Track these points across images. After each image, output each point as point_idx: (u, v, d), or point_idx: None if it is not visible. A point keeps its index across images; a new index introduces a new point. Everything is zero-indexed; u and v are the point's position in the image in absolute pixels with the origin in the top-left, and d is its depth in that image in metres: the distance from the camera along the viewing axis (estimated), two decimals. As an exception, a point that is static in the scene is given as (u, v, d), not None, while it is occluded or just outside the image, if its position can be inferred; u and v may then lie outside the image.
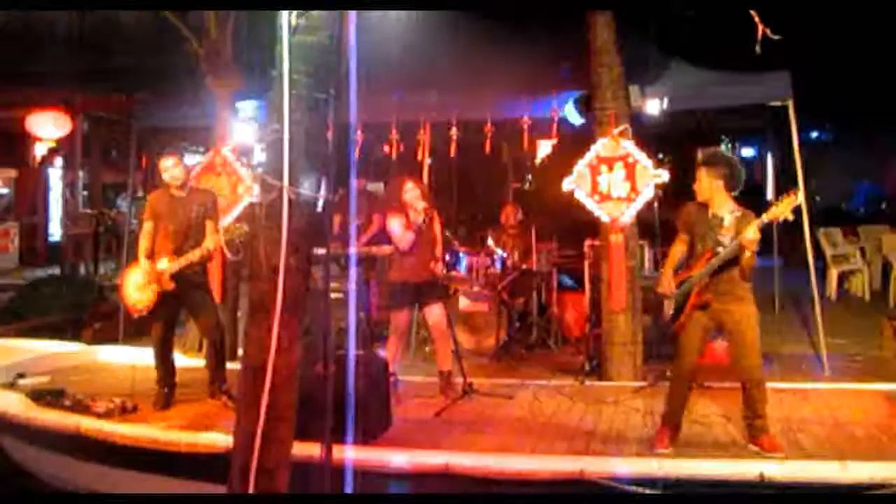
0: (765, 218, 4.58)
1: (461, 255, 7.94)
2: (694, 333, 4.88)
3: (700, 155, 5.29)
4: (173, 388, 5.94)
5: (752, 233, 4.57)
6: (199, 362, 6.37)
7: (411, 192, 6.18)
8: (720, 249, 4.73)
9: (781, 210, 4.57)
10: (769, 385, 5.16)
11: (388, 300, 6.37)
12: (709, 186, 4.86)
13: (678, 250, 5.04)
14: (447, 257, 8.14)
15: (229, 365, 5.93)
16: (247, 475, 3.61)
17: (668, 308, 4.99)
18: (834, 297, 9.93)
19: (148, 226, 5.82)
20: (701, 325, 4.87)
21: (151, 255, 5.76)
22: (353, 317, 3.61)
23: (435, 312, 6.20)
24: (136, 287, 5.78)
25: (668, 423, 4.99)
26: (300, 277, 3.75)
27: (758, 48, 4.84)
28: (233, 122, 7.69)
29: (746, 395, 4.82)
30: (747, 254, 4.64)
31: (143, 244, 5.76)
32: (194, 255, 5.69)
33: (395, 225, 6.15)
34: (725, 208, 4.81)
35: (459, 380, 6.12)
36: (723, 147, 16.89)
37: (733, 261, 4.72)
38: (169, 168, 5.79)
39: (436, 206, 6.34)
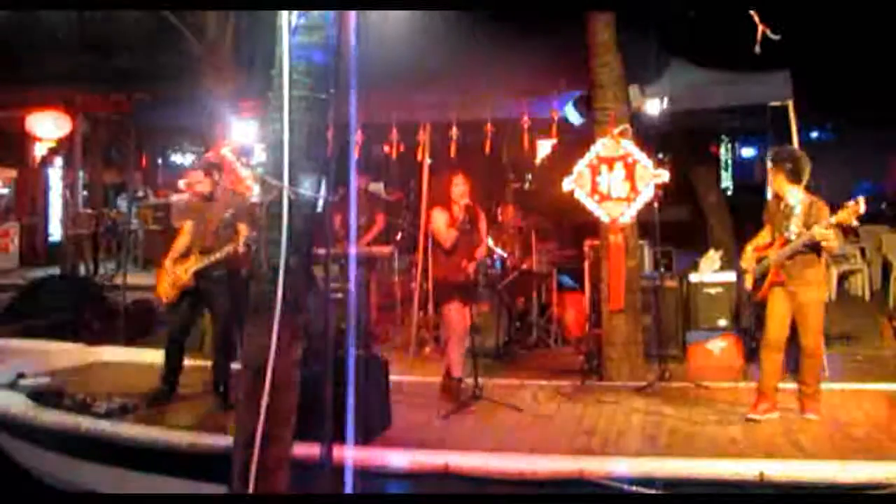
0: (832, 220, 5.10)
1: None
2: (775, 306, 5.41)
3: (769, 153, 5.70)
4: (174, 386, 6.00)
5: (819, 233, 5.11)
6: (200, 362, 6.39)
7: (459, 188, 6.06)
8: (791, 236, 5.29)
9: (846, 216, 5.06)
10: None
11: (439, 299, 6.34)
12: (775, 180, 5.42)
13: (762, 236, 5.60)
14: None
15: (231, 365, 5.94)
16: (247, 475, 3.61)
17: (748, 282, 5.61)
18: (834, 297, 9.92)
19: (182, 227, 6.13)
20: (780, 299, 5.39)
21: (183, 255, 5.93)
22: (352, 317, 3.60)
23: (473, 314, 6.12)
24: (164, 281, 5.98)
25: (762, 391, 5.43)
26: (300, 277, 3.75)
27: (758, 48, 4.87)
28: (233, 122, 7.69)
29: (802, 364, 5.39)
30: (824, 244, 5.18)
31: (176, 245, 6.01)
32: (220, 255, 5.78)
33: (439, 221, 6.08)
34: (795, 198, 5.32)
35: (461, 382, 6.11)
36: (723, 148, 16.91)
37: (805, 249, 5.25)
38: (195, 183, 6.10)
39: (480, 206, 6.19)
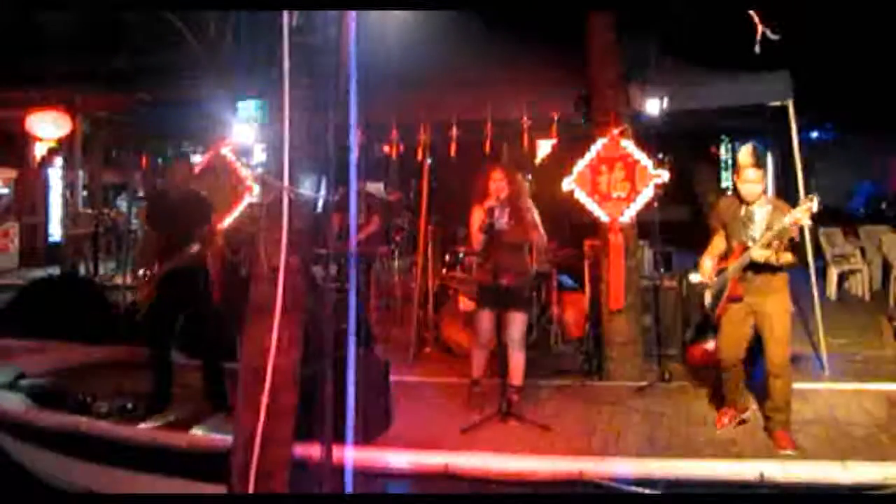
0: (787, 221, 4.71)
1: (460, 254, 7.94)
2: (730, 326, 5.07)
3: (749, 157, 5.14)
4: (168, 396, 5.88)
5: (757, 254, 4.79)
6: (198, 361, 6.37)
7: (495, 184, 5.60)
8: (751, 244, 4.89)
9: (799, 216, 4.69)
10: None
11: (474, 301, 5.98)
12: (757, 182, 4.96)
13: (717, 243, 5.23)
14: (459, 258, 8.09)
15: (230, 365, 5.89)
16: (247, 475, 3.61)
17: (708, 296, 5.21)
18: (834, 297, 9.92)
19: (148, 229, 5.97)
20: (738, 318, 5.04)
21: (150, 259, 5.81)
22: (352, 317, 3.59)
23: (510, 322, 5.60)
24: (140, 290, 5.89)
25: (728, 406, 5.29)
26: (300, 277, 3.75)
27: (757, 48, 4.86)
28: (233, 122, 7.68)
29: (770, 386, 4.94)
30: (783, 259, 4.83)
31: (146, 250, 5.89)
32: (179, 260, 5.62)
33: (473, 219, 5.71)
34: (760, 202, 4.99)
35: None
36: (723, 148, 16.92)
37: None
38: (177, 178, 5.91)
39: (521, 204, 5.68)
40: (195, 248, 5.61)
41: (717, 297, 5.13)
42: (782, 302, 4.97)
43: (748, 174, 4.97)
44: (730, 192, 5.21)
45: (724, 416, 5.28)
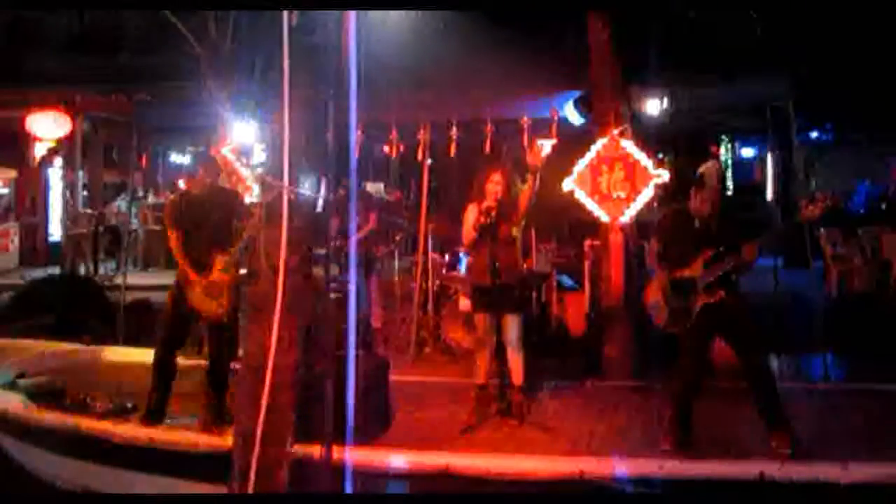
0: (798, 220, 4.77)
1: (461, 255, 7.94)
2: (703, 335, 4.88)
3: (703, 175, 5.02)
4: (169, 391, 5.77)
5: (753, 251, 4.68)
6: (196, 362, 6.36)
7: (491, 185, 5.53)
8: (722, 248, 4.75)
9: (811, 212, 4.69)
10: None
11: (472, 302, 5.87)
12: (713, 200, 4.88)
13: (659, 256, 5.08)
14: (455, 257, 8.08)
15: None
16: (247, 475, 3.61)
17: (662, 311, 4.98)
18: (834, 298, 9.91)
19: (172, 233, 5.40)
20: (710, 326, 4.86)
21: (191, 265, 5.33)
22: (352, 317, 3.60)
23: (505, 323, 5.50)
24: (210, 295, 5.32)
25: (676, 427, 4.94)
26: (300, 277, 3.76)
27: (758, 48, 4.85)
28: (233, 122, 7.69)
29: (763, 390, 4.80)
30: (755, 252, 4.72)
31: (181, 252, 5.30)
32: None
33: (467, 216, 5.63)
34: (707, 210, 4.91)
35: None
36: (723, 148, 16.92)
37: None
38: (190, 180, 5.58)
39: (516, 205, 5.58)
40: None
41: (676, 311, 4.90)
42: (745, 299, 4.87)
43: (708, 193, 4.90)
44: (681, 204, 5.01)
45: (673, 438, 4.87)
